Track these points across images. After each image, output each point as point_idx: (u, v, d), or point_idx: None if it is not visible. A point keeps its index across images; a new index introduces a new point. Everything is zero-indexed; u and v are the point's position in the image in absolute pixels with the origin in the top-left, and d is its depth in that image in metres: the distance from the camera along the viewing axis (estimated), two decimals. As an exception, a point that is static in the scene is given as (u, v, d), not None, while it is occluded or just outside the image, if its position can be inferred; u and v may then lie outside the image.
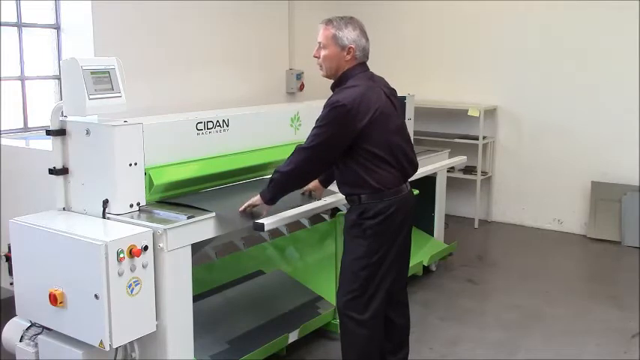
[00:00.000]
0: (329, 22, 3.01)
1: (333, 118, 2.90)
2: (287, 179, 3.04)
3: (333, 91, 3.05)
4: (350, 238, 3.09)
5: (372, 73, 3.09)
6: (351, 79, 3.00)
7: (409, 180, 3.18)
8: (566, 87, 6.34)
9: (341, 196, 3.56)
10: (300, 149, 3.00)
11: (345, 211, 4.09)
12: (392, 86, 3.20)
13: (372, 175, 2.98)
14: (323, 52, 3.01)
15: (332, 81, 3.10)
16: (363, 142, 2.94)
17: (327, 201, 3.58)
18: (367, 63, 3.10)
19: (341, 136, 2.92)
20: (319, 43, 3.02)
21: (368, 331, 3.08)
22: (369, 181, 2.98)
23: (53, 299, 2.79)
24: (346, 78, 3.01)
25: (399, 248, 3.13)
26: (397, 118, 3.11)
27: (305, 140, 3.02)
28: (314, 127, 2.98)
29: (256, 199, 3.14)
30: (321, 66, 3.06)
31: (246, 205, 3.16)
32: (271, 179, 3.08)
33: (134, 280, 2.76)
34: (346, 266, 3.10)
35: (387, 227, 3.03)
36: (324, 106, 2.95)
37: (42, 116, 5.00)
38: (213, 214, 3.16)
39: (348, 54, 2.98)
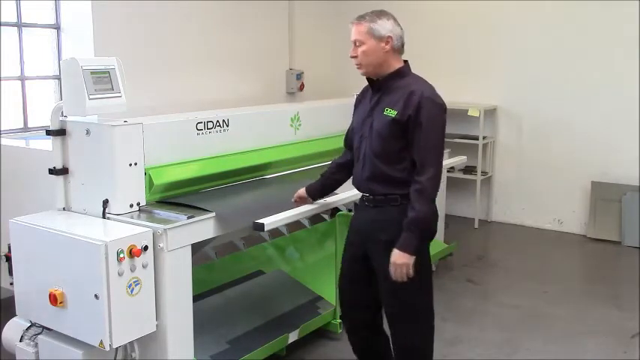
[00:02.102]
0: (361, 17, 2.93)
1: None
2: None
3: (384, 87, 2.96)
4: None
5: None
6: (409, 74, 2.99)
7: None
8: (566, 87, 6.34)
9: (342, 197, 3.56)
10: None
11: (345, 211, 4.11)
12: None
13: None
14: (362, 49, 2.90)
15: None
16: None
17: (327, 201, 3.58)
18: None
19: None
20: (354, 41, 2.92)
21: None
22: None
23: (53, 299, 2.78)
24: (405, 74, 2.98)
25: None
26: None
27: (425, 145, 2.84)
28: (433, 133, 2.85)
29: None
30: (359, 64, 2.94)
31: None
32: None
33: (134, 280, 2.76)
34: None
35: None
36: (423, 102, 2.85)
37: (42, 116, 5.00)
38: (214, 214, 3.16)
39: (386, 44, 2.89)
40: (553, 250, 6.03)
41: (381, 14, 2.94)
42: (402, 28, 2.97)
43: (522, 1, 6.45)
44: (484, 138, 6.61)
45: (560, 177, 6.48)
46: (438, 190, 2.88)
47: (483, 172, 6.78)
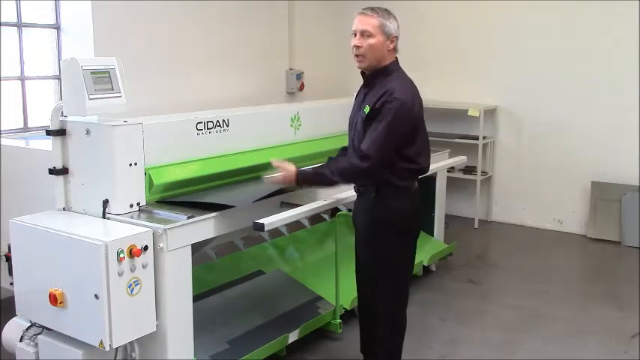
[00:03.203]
0: (373, 10, 2.97)
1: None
2: None
3: (371, 83, 3.04)
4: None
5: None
6: (393, 73, 3.02)
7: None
8: (566, 87, 6.34)
9: (342, 197, 3.57)
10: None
11: (345, 211, 4.12)
12: None
13: None
14: (370, 41, 2.94)
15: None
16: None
17: (327, 201, 3.58)
18: None
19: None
20: (362, 31, 2.95)
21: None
22: None
23: (53, 299, 2.78)
24: (391, 71, 3.02)
25: None
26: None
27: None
28: (383, 125, 2.93)
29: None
30: (362, 56, 2.98)
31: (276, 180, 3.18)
32: None
33: (134, 280, 2.76)
34: None
35: None
36: (387, 98, 2.90)
37: (42, 116, 5.00)
38: (214, 214, 3.15)
39: (391, 43, 2.99)
40: (553, 250, 6.03)
41: (392, 14, 3.04)
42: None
43: (523, 1, 6.45)
44: (484, 138, 6.61)
45: (560, 177, 6.48)
46: (362, 179, 3.05)
47: (483, 172, 6.78)
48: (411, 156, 3.02)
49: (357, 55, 3.00)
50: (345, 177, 3.01)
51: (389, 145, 2.91)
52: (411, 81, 3.07)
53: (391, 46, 2.99)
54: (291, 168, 3.12)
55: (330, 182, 3.04)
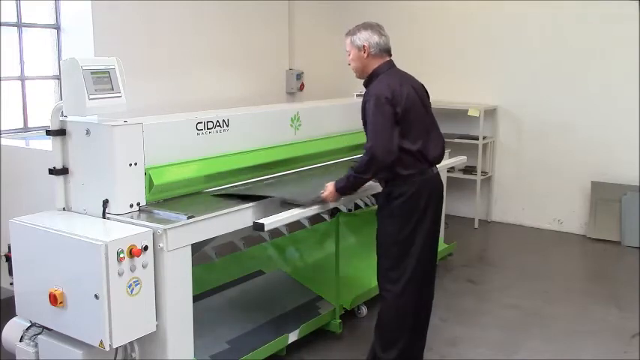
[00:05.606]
0: (348, 32, 3.45)
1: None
2: None
3: (365, 88, 3.41)
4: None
5: (399, 70, 3.44)
6: (380, 75, 3.34)
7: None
8: (567, 87, 6.34)
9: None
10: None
11: (345, 211, 4.12)
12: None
13: None
14: (350, 57, 3.43)
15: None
16: None
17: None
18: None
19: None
20: (347, 51, 3.44)
21: (402, 303, 3.34)
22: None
23: (53, 299, 2.78)
24: (377, 74, 3.35)
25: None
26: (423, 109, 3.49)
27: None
28: (370, 119, 3.28)
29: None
30: (354, 70, 3.45)
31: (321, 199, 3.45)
32: None
33: (134, 280, 2.76)
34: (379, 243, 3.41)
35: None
36: (366, 97, 3.29)
37: (42, 116, 5.00)
38: (215, 213, 3.15)
39: (364, 52, 3.35)
40: (553, 250, 6.03)
41: (361, 27, 3.40)
42: (381, 35, 3.37)
43: (523, 0, 6.46)
44: (484, 138, 6.62)
45: (560, 177, 6.48)
46: (373, 169, 3.26)
47: (483, 172, 6.78)
48: (406, 143, 3.25)
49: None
50: (363, 172, 3.28)
51: (383, 132, 3.19)
52: (396, 79, 3.32)
53: (364, 54, 3.35)
54: (330, 186, 3.42)
55: (359, 180, 3.33)
